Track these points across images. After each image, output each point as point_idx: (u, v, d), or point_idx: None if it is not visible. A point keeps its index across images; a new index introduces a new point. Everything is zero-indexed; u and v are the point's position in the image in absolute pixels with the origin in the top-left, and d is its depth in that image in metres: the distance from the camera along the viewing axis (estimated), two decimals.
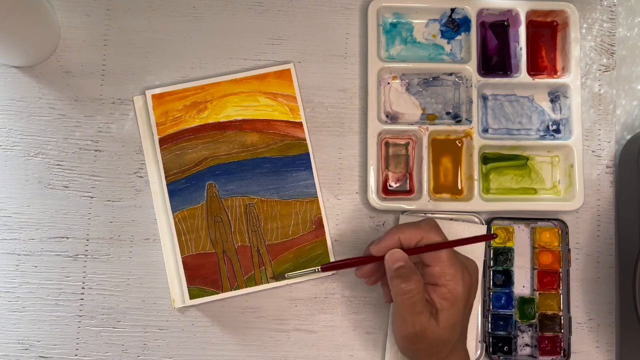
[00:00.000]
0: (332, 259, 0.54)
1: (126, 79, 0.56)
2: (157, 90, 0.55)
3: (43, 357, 0.54)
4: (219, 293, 0.53)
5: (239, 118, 0.55)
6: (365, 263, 0.49)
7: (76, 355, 0.54)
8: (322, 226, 0.55)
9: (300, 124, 0.55)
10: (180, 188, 0.54)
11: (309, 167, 0.55)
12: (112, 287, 0.54)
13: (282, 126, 0.55)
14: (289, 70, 0.56)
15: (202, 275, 0.53)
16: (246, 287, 0.54)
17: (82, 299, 0.54)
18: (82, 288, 0.54)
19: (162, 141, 0.55)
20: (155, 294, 0.54)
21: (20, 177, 0.55)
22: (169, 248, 0.54)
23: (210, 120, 0.55)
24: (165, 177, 0.54)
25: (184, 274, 0.53)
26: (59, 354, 0.54)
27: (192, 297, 0.53)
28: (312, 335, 0.55)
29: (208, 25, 0.57)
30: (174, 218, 0.54)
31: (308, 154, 0.55)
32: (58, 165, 0.55)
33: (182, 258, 0.53)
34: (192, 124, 0.55)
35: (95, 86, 0.56)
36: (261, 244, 0.54)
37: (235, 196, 0.54)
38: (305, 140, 0.55)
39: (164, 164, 0.54)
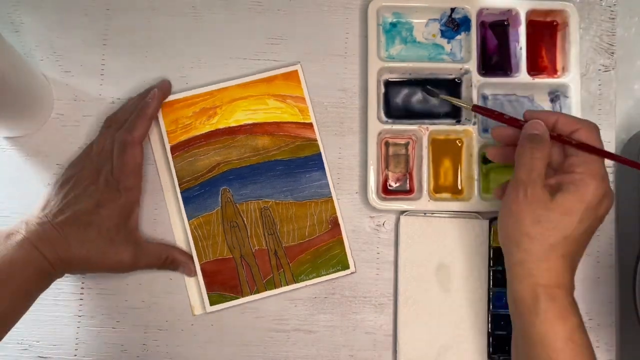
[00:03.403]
0: (349, 258, 0.54)
1: (126, 79, 0.56)
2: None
3: (42, 357, 0.53)
4: (239, 298, 0.53)
5: (249, 122, 0.55)
6: (510, 123, 0.49)
7: (75, 355, 0.54)
8: (338, 225, 0.55)
9: (310, 125, 0.55)
10: (195, 195, 0.54)
11: (322, 167, 0.55)
12: (111, 287, 0.54)
13: (293, 128, 0.55)
14: (296, 71, 0.56)
15: (221, 281, 0.53)
16: (266, 290, 0.54)
17: (81, 299, 0.54)
18: (82, 288, 0.54)
19: (174, 149, 0.54)
20: (155, 294, 0.54)
21: (20, 177, 0.55)
22: None
23: (221, 126, 0.55)
24: (179, 185, 0.54)
25: (203, 281, 0.53)
26: (58, 354, 0.54)
27: (212, 303, 0.53)
28: (312, 335, 0.55)
29: (207, 25, 0.57)
30: (190, 225, 0.54)
31: (320, 154, 0.55)
32: (58, 165, 0.55)
33: (200, 265, 0.53)
34: (203, 130, 0.55)
35: (94, 86, 0.56)
36: (278, 246, 0.54)
37: (250, 200, 0.54)
38: (317, 140, 0.55)
39: (176, 171, 0.54)
